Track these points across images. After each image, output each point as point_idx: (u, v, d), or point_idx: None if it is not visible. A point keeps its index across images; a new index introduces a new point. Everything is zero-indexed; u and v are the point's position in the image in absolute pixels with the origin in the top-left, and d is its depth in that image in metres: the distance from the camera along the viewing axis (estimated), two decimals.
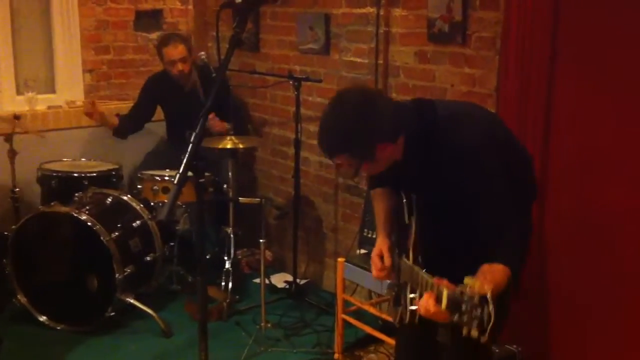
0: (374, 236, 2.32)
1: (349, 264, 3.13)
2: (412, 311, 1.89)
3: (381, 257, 2.11)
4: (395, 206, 2.17)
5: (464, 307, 1.55)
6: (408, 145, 1.94)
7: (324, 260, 4.05)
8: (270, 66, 4.22)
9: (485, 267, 1.76)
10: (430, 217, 2.00)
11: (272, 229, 4.27)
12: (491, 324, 1.52)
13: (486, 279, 1.64)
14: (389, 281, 2.16)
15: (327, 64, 3.83)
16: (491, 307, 1.52)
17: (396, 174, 2.02)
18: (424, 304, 1.72)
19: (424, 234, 2.00)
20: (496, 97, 2.96)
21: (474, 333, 1.54)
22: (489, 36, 2.98)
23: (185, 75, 4.08)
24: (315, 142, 3.83)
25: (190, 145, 1.88)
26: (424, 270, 1.86)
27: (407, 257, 2.01)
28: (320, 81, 3.71)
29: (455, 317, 1.57)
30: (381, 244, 2.14)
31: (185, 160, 1.87)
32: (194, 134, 1.90)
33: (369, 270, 2.21)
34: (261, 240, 3.38)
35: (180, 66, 4.03)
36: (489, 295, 1.53)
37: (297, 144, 3.72)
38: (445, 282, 1.67)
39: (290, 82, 3.72)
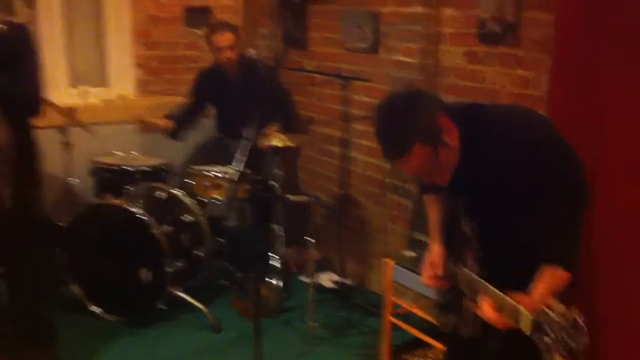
0: (423, 239, 2.33)
1: (397, 266, 3.15)
2: (474, 320, 1.88)
3: (433, 264, 2.12)
4: (448, 211, 2.18)
5: (547, 329, 1.54)
6: (462, 146, 1.94)
7: (370, 261, 4.06)
8: (317, 64, 4.24)
9: (547, 273, 1.77)
10: (484, 221, 2.00)
11: (319, 228, 4.30)
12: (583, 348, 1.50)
13: (549, 288, 1.64)
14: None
15: (374, 63, 3.84)
16: (584, 334, 1.50)
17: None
18: (485, 312, 1.73)
19: (478, 239, 2.00)
20: (547, 100, 2.95)
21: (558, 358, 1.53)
22: (541, 37, 2.96)
23: (233, 63, 4.12)
24: (362, 141, 3.91)
25: (249, 143, 1.91)
26: (485, 281, 1.86)
27: (463, 264, 2.02)
28: (368, 80, 3.72)
29: (536, 338, 1.57)
30: (434, 250, 2.15)
31: (243, 158, 1.90)
32: (251, 132, 1.92)
33: (418, 273, 2.22)
34: (309, 239, 3.41)
35: (227, 53, 4.07)
36: (580, 320, 1.52)
37: (345, 143, 3.74)
38: (522, 300, 1.67)
39: (338, 81, 3.74)
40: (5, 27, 2.24)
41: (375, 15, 3.77)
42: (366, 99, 3.88)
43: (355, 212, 4.09)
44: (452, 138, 1.90)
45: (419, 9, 3.52)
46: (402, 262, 3.19)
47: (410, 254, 3.27)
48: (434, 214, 2.23)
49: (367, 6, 3.82)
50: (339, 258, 3.91)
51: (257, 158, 3.37)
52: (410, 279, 3.08)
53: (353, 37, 3.93)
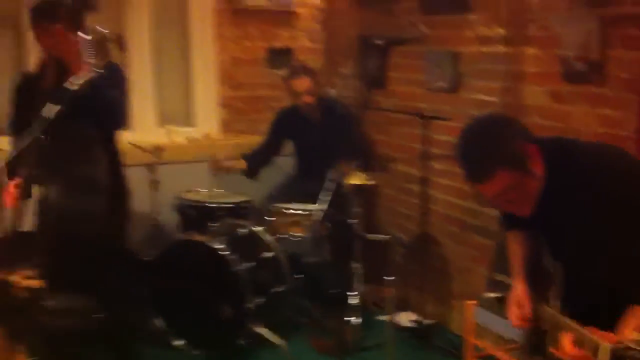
0: (505, 280, 2.29)
1: (479, 308, 3.10)
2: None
3: (520, 303, 2.08)
4: (532, 250, 2.14)
5: None
6: (547, 179, 1.90)
7: (450, 302, 4.00)
8: (396, 103, 4.27)
9: (637, 313, 1.71)
10: (570, 259, 1.96)
11: (399, 267, 4.27)
12: None
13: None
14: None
15: (454, 102, 3.83)
16: None
17: (533, 213, 1.99)
18: (566, 347, 1.69)
19: (563, 278, 1.96)
20: (636, 140, 2.87)
21: None
22: (628, 76, 2.90)
23: (311, 107, 4.21)
24: (442, 180, 3.89)
25: (333, 182, 1.93)
26: (570, 319, 1.82)
27: (547, 302, 1.98)
28: (448, 119, 3.72)
29: None
30: (519, 290, 2.11)
31: (327, 198, 1.92)
32: (335, 172, 1.95)
33: (501, 315, 2.18)
34: (388, 278, 3.39)
35: (305, 98, 4.17)
36: None
37: (424, 181, 3.74)
38: (604, 335, 1.63)
39: (418, 120, 3.75)
40: (103, 65, 2.39)
41: (456, 55, 3.78)
42: (446, 138, 3.87)
43: (435, 251, 4.05)
44: (537, 167, 1.87)
45: (500, 48, 3.51)
46: (484, 303, 3.13)
47: (493, 295, 3.20)
48: (518, 252, 2.19)
49: (448, 46, 3.84)
50: (419, 297, 3.87)
51: (338, 196, 3.41)
52: (493, 321, 3.02)
53: (434, 77, 3.94)
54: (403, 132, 4.28)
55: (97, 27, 2.38)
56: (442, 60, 3.87)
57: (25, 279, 2.58)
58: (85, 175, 2.77)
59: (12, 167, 2.61)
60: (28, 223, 2.71)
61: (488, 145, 1.84)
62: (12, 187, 2.75)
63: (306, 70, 4.27)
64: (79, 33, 2.36)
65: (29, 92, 2.96)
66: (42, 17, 2.71)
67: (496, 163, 1.82)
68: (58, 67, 2.64)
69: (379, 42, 2.23)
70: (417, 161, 3.90)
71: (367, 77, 4.42)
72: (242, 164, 4.25)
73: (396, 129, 4.32)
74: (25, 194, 2.84)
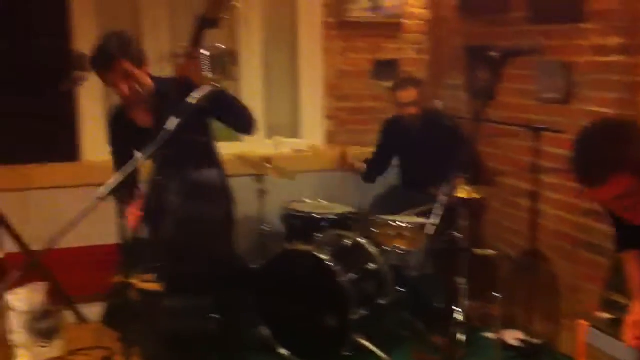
0: (620, 300, 2.20)
1: (592, 328, 2.98)
2: None
3: (638, 324, 2.00)
4: None
5: None
6: None
7: (560, 321, 3.86)
8: (505, 115, 4.18)
9: None
10: None
11: (505, 283, 4.17)
12: None
13: None
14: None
15: (567, 114, 3.71)
16: None
17: None
18: None
19: None
20: None
21: None
22: None
23: (415, 119, 4.19)
24: (553, 194, 3.77)
25: (444, 197, 1.93)
26: None
27: None
28: (561, 132, 3.61)
29: None
30: (637, 310, 2.02)
31: (439, 212, 1.92)
32: (446, 186, 1.95)
33: (615, 337, 2.09)
34: (494, 294, 3.32)
35: (410, 109, 4.16)
36: None
37: (534, 195, 3.64)
38: None
39: (529, 132, 3.66)
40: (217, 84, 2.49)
41: (569, 65, 3.66)
42: (558, 151, 3.75)
43: (543, 268, 3.92)
44: None
45: (616, 58, 3.37)
46: (597, 324, 3.01)
47: (607, 315, 3.08)
48: (635, 272, 2.10)
49: (560, 56, 3.73)
50: (526, 316, 3.76)
51: (445, 210, 3.38)
52: (606, 343, 2.90)
53: (545, 88, 3.84)
54: (512, 145, 4.18)
55: (216, 44, 2.48)
56: (554, 71, 3.76)
57: (143, 282, 2.72)
58: (205, 182, 2.88)
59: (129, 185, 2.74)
60: (145, 230, 2.85)
61: (607, 148, 1.78)
62: (134, 210, 2.92)
63: (413, 82, 4.26)
64: (200, 50, 2.47)
65: (121, 122, 3.13)
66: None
67: (614, 166, 1.76)
68: (182, 84, 2.77)
69: (494, 54, 2.19)
70: (527, 174, 3.80)
71: (477, 89, 4.36)
72: (361, 166, 4.33)
73: (504, 142, 4.23)
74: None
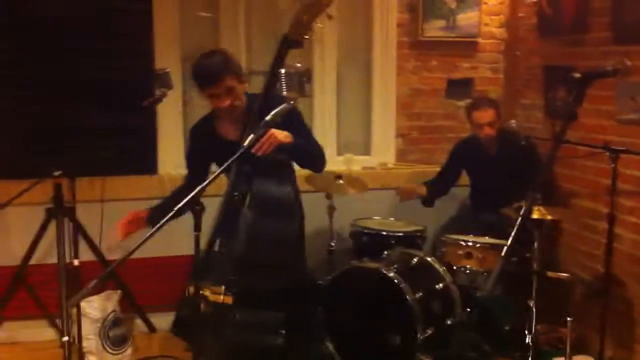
0: None
1: None
2: None
3: None
4: None
5: None
6: None
7: (633, 347, 3.73)
8: (582, 135, 4.07)
9: None
10: None
11: (578, 307, 4.06)
12: None
13: None
14: None
15: None
16: None
17: None
18: None
19: None
20: None
21: None
22: None
23: (492, 139, 4.14)
24: (630, 217, 3.65)
25: (519, 218, 1.90)
26: None
27: None
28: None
29: None
30: None
31: (513, 233, 1.89)
32: (520, 206, 1.92)
33: None
34: (568, 319, 3.24)
35: (487, 130, 4.11)
36: None
37: (611, 219, 3.52)
38: None
39: (607, 154, 3.56)
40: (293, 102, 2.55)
41: None
42: (636, 173, 3.64)
43: (619, 294, 3.79)
44: None
45: None
46: None
47: None
48: None
49: None
50: (599, 341, 3.63)
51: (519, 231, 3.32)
52: None
53: (625, 108, 3.73)
54: (588, 166, 4.07)
55: (294, 63, 2.55)
56: (636, 92, 3.65)
57: (214, 294, 2.77)
58: (281, 198, 2.93)
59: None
60: (215, 243, 2.91)
61: None
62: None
63: (490, 102, 4.22)
64: (281, 69, 2.54)
65: (206, 135, 3.23)
66: None
67: None
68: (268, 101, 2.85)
69: (577, 75, 2.16)
70: (604, 197, 3.69)
71: (556, 110, 4.28)
72: (422, 189, 4.29)
73: (581, 163, 4.12)
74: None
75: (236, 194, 2.78)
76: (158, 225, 2.21)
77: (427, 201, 4.32)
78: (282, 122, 2.62)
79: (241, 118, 3.05)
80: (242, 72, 3.12)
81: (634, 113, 3.67)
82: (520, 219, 1.92)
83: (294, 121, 2.95)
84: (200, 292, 2.73)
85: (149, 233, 2.21)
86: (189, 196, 2.31)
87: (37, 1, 4.18)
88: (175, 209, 2.30)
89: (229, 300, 2.82)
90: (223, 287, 2.84)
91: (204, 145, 3.27)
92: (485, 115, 4.11)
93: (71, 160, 3.75)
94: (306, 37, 2.65)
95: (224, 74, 2.97)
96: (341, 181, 3.99)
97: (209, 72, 2.99)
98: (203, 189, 2.35)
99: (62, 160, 3.75)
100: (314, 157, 3.12)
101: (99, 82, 4.25)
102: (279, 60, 2.72)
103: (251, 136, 2.48)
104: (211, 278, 2.86)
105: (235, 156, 2.44)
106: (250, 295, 2.82)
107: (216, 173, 2.44)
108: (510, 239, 1.88)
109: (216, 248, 2.92)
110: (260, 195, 2.85)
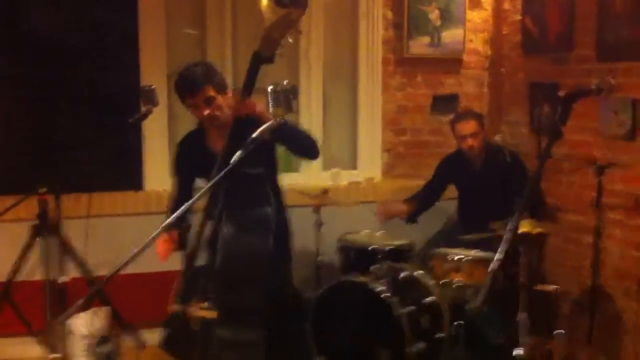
0: None
1: None
2: None
3: None
4: None
5: None
6: None
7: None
8: (567, 151, 4.12)
9: None
10: None
11: (566, 320, 4.07)
12: None
13: None
14: None
15: (632, 150, 3.65)
16: None
17: None
18: None
19: None
20: None
21: None
22: None
23: (475, 151, 4.17)
24: (616, 230, 3.68)
25: (506, 232, 1.91)
26: None
27: None
28: (626, 167, 3.54)
29: None
30: None
31: (504, 247, 1.90)
32: (513, 221, 1.93)
33: None
34: (557, 331, 3.25)
35: (470, 141, 4.14)
36: None
37: (597, 232, 3.56)
38: None
39: (591, 168, 3.60)
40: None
41: (635, 102, 3.61)
42: (621, 187, 3.68)
43: (606, 307, 3.82)
44: None
45: None
46: None
47: None
48: None
49: (626, 92, 3.67)
50: (587, 354, 3.65)
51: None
52: None
53: (609, 124, 3.78)
54: (573, 181, 4.12)
55: (283, 81, 2.55)
56: (619, 107, 3.71)
57: (200, 310, 2.75)
58: (257, 215, 2.92)
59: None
60: (202, 257, 2.89)
61: None
62: (165, 240, 3.01)
63: (472, 114, 4.26)
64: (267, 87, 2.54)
65: (195, 148, 3.23)
66: None
67: None
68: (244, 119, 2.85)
69: (562, 93, 2.19)
70: (590, 210, 3.72)
71: (542, 126, 4.32)
72: (408, 208, 4.28)
73: (566, 177, 4.16)
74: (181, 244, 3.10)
75: (216, 208, 2.78)
76: (145, 243, 2.19)
77: (410, 219, 4.31)
78: (274, 138, 2.62)
79: (228, 130, 3.04)
80: (225, 84, 3.12)
81: (616, 128, 3.72)
82: (509, 233, 1.92)
83: (286, 131, 2.94)
84: (187, 307, 2.72)
85: (136, 251, 2.18)
86: (175, 214, 2.29)
87: (23, 17, 4.16)
88: (162, 226, 2.27)
89: (213, 315, 2.80)
90: (206, 303, 2.83)
91: (191, 158, 3.26)
92: (468, 126, 4.14)
93: (57, 176, 3.73)
94: (277, 52, 2.67)
95: (203, 84, 3.00)
96: (327, 196, 3.99)
97: (189, 81, 3.02)
98: (190, 206, 2.34)
99: (47, 176, 3.73)
100: (304, 139, 3.12)
101: (85, 98, 4.24)
102: (251, 77, 2.73)
103: (238, 152, 2.48)
104: (199, 293, 2.84)
105: (222, 173, 2.43)
106: (228, 311, 2.80)
107: (203, 189, 2.43)
108: (498, 254, 1.88)
109: (200, 262, 2.90)
110: (235, 211, 2.84)
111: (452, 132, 4.29)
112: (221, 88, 3.07)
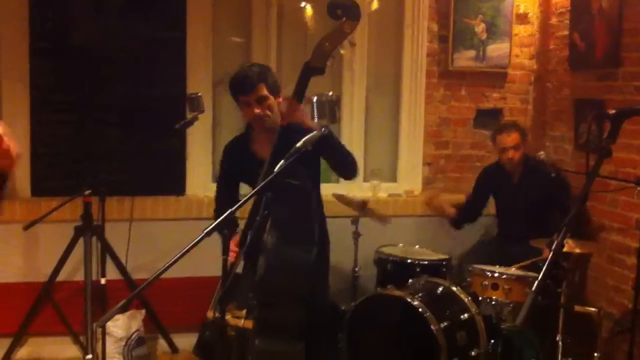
0: None
1: None
2: None
3: None
4: None
5: None
6: None
7: None
8: (613, 169, 4.04)
9: None
10: None
11: (606, 343, 3.98)
12: None
13: None
14: None
15: None
16: None
17: None
18: None
19: None
20: None
21: None
22: None
23: (514, 163, 4.12)
24: None
25: (548, 252, 1.87)
26: None
27: None
28: None
29: None
30: None
31: (545, 268, 1.86)
32: (555, 243, 1.89)
33: None
34: (595, 354, 3.18)
35: (510, 153, 4.10)
36: None
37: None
38: None
39: (637, 188, 3.52)
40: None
41: None
42: None
43: None
44: None
45: None
46: None
47: None
48: None
49: None
50: None
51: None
52: None
53: None
54: (618, 200, 4.03)
55: (327, 92, 2.56)
56: None
57: (236, 318, 2.77)
58: (302, 229, 2.92)
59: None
60: (241, 266, 2.91)
61: None
62: (234, 246, 3.01)
63: (514, 126, 4.22)
64: (312, 96, 2.56)
65: (240, 152, 3.26)
66: None
67: None
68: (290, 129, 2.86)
69: (611, 112, 2.15)
70: (633, 231, 3.64)
71: (588, 143, 4.24)
72: (452, 210, 4.31)
73: (611, 196, 4.07)
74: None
75: (259, 217, 2.79)
76: (188, 247, 2.20)
77: (457, 223, 4.31)
78: (316, 149, 2.62)
79: (275, 136, 3.06)
80: (279, 87, 3.14)
81: None
82: (552, 254, 1.88)
83: (329, 144, 2.93)
84: (222, 314, 2.73)
85: (178, 255, 2.20)
86: (219, 219, 2.31)
87: (75, 30, 4.30)
88: (204, 232, 2.28)
89: (249, 324, 2.80)
90: (244, 311, 2.84)
91: (236, 162, 3.29)
92: (510, 138, 4.11)
93: (102, 179, 3.81)
94: (328, 64, 2.67)
95: (257, 82, 3.03)
96: (367, 207, 3.98)
97: (245, 78, 3.06)
98: (233, 212, 2.35)
99: (93, 179, 3.81)
100: (346, 155, 3.10)
101: (132, 105, 4.33)
102: (301, 88, 2.74)
103: (282, 162, 2.49)
104: (236, 301, 2.85)
105: (265, 181, 2.45)
106: (269, 321, 2.81)
107: (247, 197, 2.44)
108: (542, 273, 1.85)
109: (241, 271, 2.92)
110: (278, 221, 2.84)
111: (492, 143, 4.26)
112: (274, 90, 3.09)
